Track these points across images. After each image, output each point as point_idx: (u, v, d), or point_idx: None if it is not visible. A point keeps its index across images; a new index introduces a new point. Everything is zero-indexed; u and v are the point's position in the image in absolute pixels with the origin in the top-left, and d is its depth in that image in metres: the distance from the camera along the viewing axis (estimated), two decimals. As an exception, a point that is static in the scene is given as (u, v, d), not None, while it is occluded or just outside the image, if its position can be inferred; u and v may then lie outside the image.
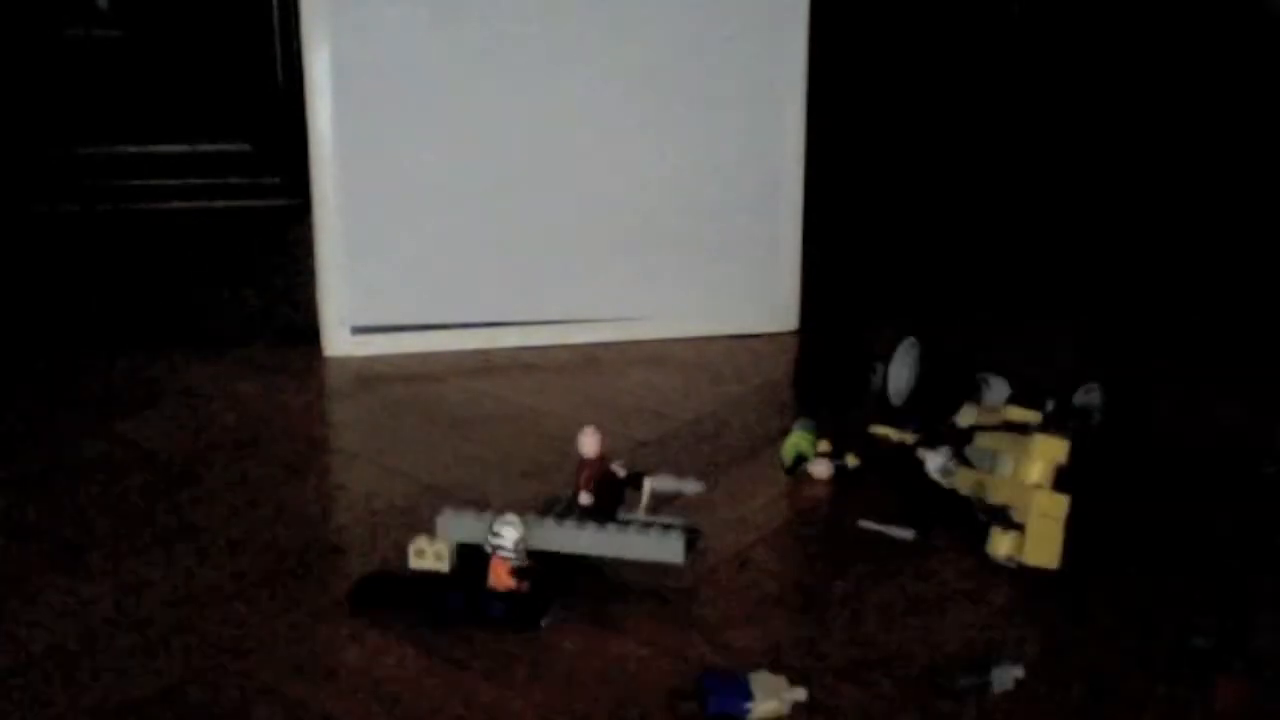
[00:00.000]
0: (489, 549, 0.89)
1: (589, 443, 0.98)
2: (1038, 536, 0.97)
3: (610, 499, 0.98)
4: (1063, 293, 1.69)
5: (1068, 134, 1.72)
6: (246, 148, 1.44)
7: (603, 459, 0.99)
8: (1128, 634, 0.89)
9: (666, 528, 0.94)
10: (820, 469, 1.13)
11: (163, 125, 1.42)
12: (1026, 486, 0.98)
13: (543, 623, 0.88)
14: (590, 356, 1.47)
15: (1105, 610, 0.92)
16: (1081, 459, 1.03)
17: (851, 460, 1.14)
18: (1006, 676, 0.81)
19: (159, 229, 1.44)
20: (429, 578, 0.92)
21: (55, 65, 1.37)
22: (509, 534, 0.89)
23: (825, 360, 1.24)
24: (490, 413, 1.29)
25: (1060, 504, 0.97)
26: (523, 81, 1.44)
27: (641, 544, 0.93)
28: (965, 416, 1.15)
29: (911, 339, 1.22)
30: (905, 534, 1.03)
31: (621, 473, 1.00)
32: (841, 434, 1.16)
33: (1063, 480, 0.99)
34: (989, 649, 0.86)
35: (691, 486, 1.01)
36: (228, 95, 1.43)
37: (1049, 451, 0.99)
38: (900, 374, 1.22)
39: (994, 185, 1.71)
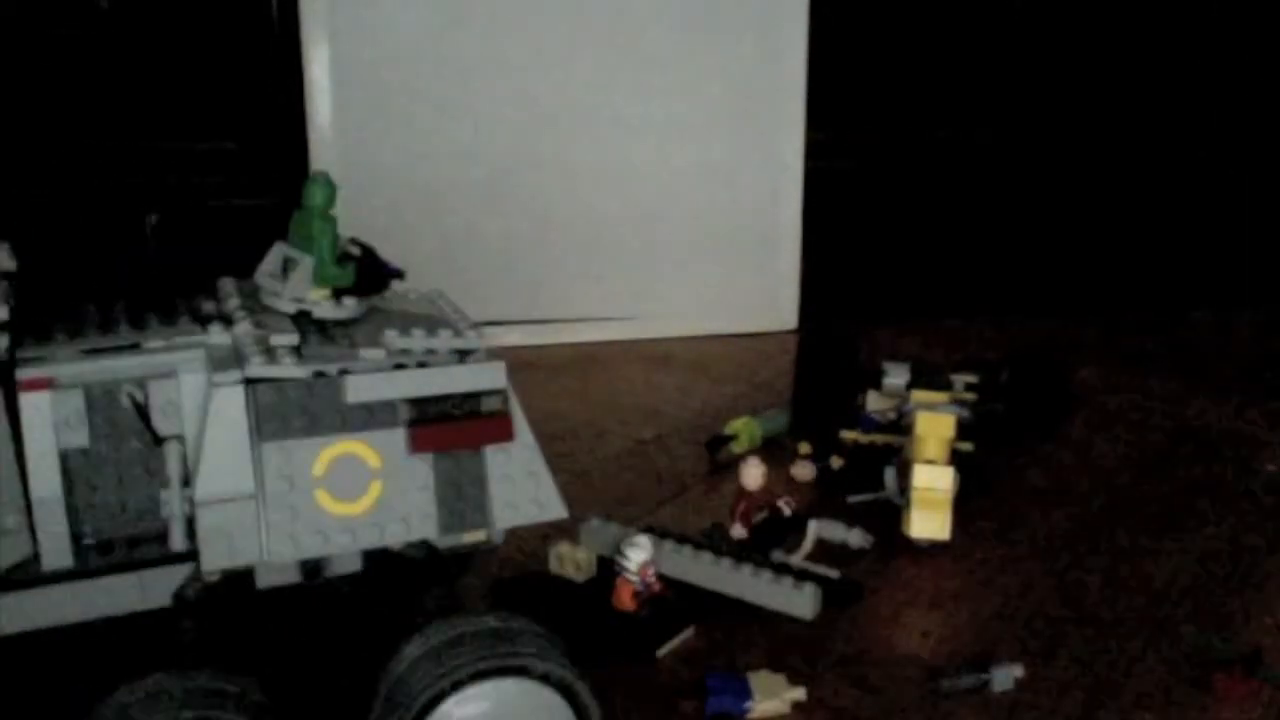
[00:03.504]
0: (617, 568, 0.87)
1: (752, 475, 0.96)
2: (919, 511, 0.99)
3: (769, 537, 0.95)
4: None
5: (1069, 130, 1.72)
6: (246, 147, 1.44)
7: (767, 493, 0.96)
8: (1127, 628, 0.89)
9: (804, 578, 0.89)
10: (803, 471, 1.14)
11: (162, 124, 1.42)
12: (915, 464, 1.00)
13: (659, 653, 0.84)
14: (590, 356, 1.47)
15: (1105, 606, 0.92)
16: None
17: (836, 462, 1.15)
18: (1007, 676, 0.81)
19: (157, 228, 1.44)
20: (563, 584, 0.91)
21: (54, 63, 1.37)
22: (634, 556, 0.85)
23: (822, 381, 1.26)
24: (490, 412, 1.29)
25: (941, 477, 0.99)
26: (523, 82, 1.45)
27: (770, 592, 0.89)
28: (872, 402, 1.20)
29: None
30: (894, 497, 1.05)
31: (787, 511, 0.97)
32: (824, 438, 1.18)
33: (955, 456, 1.01)
34: (989, 647, 0.86)
35: (857, 539, 0.98)
36: (227, 94, 1.43)
37: (934, 428, 1.00)
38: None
39: (991, 182, 1.71)
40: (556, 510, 0.71)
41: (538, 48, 1.44)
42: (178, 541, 0.66)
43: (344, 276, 0.72)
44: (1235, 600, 0.94)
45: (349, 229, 0.77)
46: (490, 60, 1.43)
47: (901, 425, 1.13)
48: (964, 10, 1.64)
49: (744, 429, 1.18)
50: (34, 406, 0.64)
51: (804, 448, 1.17)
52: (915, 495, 0.99)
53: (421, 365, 0.67)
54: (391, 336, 0.68)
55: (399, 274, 0.76)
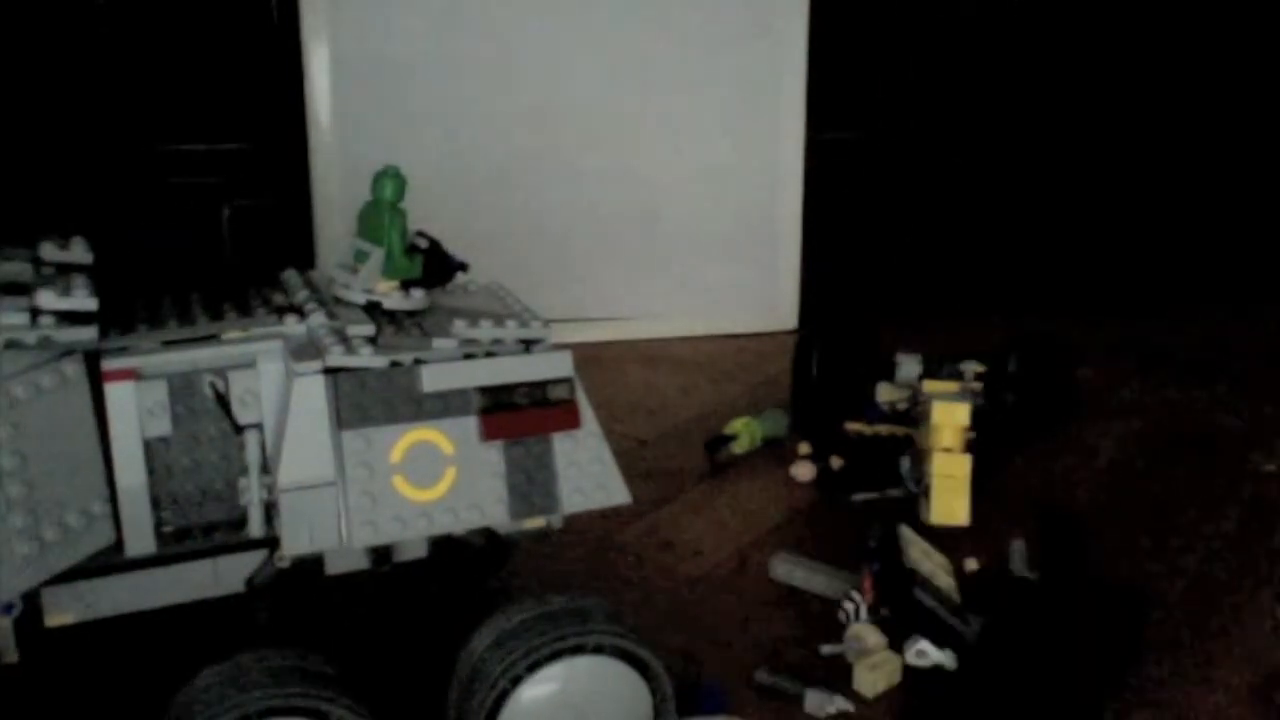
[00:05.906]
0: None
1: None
2: (939, 497, 1.01)
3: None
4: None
5: (1070, 129, 1.72)
6: (246, 147, 1.44)
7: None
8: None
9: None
10: (803, 470, 1.14)
11: (162, 124, 1.42)
12: (933, 451, 1.02)
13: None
14: (590, 356, 1.47)
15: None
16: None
17: (836, 461, 1.15)
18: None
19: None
20: None
21: (54, 63, 1.37)
22: None
23: (834, 372, 1.26)
24: (490, 412, 1.29)
25: (959, 464, 1.02)
26: (522, 81, 1.44)
27: None
28: (883, 393, 1.21)
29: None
30: (896, 493, 1.07)
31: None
32: (825, 436, 1.18)
33: (971, 444, 1.04)
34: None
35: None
36: (227, 94, 1.43)
37: (949, 416, 1.03)
38: None
39: (991, 181, 1.71)
40: (621, 496, 0.73)
41: (537, 48, 1.44)
42: (256, 528, 0.69)
43: (413, 268, 0.75)
44: (1235, 600, 0.94)
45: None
46: (489, 59, 1.43)
47: (912, 415, 1.13)
48: (964, 9, 1.64)
49: (744, 429, 1.18)
50: (119, 396, 0.66)
51: (804, 448, 1.17)
52: (935, 482, 1.01)
53: (489, 355, 0.70)
54: (461, 326, 0.70)
55: (464, 266, 0.79)
